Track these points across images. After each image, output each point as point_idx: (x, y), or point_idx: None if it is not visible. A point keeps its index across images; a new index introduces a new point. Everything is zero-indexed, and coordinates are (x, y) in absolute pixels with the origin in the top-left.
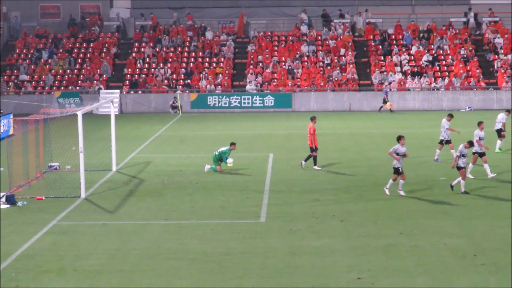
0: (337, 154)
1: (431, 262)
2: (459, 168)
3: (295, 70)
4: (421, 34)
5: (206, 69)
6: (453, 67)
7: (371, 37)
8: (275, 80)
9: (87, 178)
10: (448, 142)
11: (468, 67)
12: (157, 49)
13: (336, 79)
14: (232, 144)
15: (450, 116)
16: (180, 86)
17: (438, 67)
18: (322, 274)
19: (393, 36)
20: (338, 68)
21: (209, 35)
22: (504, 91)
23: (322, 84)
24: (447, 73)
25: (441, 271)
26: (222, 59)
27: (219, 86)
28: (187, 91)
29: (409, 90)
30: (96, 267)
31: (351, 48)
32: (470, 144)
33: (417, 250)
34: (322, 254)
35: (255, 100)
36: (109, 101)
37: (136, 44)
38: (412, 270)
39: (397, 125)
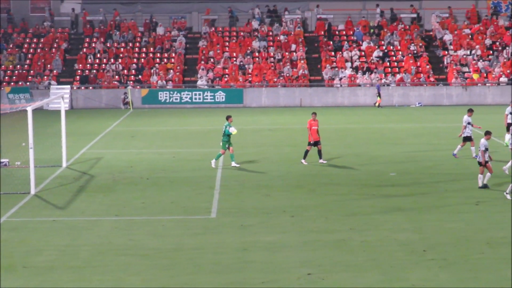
0: (289, 149)
1: (381, 257)
2: (485, 162)
3: (246, 66)
4: (372, 30)
5: (157, 65)
6: (403, 63)
7: (322, 33)
8: (226, 76)
9: (37, 174)
10: (469, 139)
11: (418, 63)
12: (108, 45)
13: (287, 74)
14: (228, 117)
15: (471, 111)
16: (131, 82)
17: (388, 63)
18: (273, 269)
19: (344, 32)
20: (289, 63)
21: (160, 30)
22: (454, 86)
23: (275, 80)
24: (397, 69)
25: (391, 266)
26: (173, 55)
27: (170, 82)
28: (138, 87)
29: (359, 85)
30: (46, 263)
31: (302, 44)
32: (489, 133)
33: (368, 245)
34: (274, 250)
35: (206, 95)
36: (60, 97)
37: (87, 40)
38: (362, 265)
39: (348, 121)
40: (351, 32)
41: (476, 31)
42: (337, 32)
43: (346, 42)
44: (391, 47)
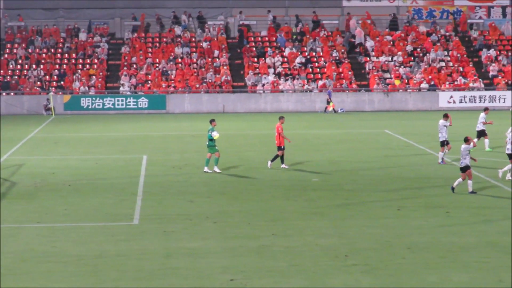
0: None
1: (304, 262)
2: (466, 168)
3: (169, 72)
4: (294, 36)
5: (79, 71)
6: (325, 69)
7: (241, 38)
8: (149, 82)
9: None
10: (447, 143)
11: (341, 69)
12: (30, 50)
13: (210, 80)
14: (212, 121)
15: (446, 116)
16: (53, 88)
17: (311, 69)
18: (196, 275)
19: (267, 38)
20: (212, 70)
21: (82, 36)
22: (376, 92)
23: (198, 86)
24: (319, 75)
25: (314, 272)
26: (96, 61)
27: (93, 88)
28: (60, 93)
29: (282, 92)
30: None
31: (225, 50)
32: (466, 140)
33: (291, 250)
34: (197, 256)
35: (129, 101)
36: None
37: (8, 45)
38: (285, 271)
39: (270, 127)
40: (274, 38)
41: (397, 37)
42: (260, 39)
43: (269, 48)
44: (314, 53)
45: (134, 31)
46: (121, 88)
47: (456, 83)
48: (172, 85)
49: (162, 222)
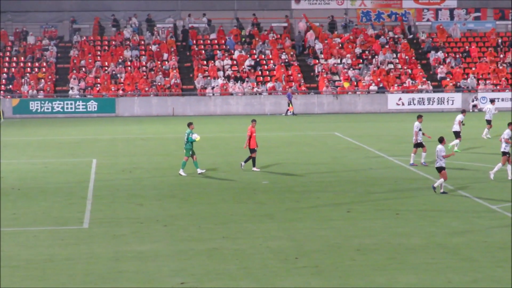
0: (162, 158)
1: (254, 265)
2: (440, 169)
3: (118, 75)
4: (244, 39)
5: (28, 74)
6: (275, 71)
7: (195, 42)
8: (98, 85)
9: None
10: (421, 145)
11: (290, 72)
12: None
13: (159, 83)
14: (190, 124)
15: (421, 117)
16: (1, 91)
17: (260, 72)
18: (146, 279)
19: (216, 41)
20: (161, 72)
21: (31, 39)
22: (325, 95)
23: (147, 89)
24: (269, 77)
25: (264, 274)
26: (45, 64)
27: (42, 91)
28: (8, 97)
29: (232, 94)
30: None
31: (174, 53)
32: (441, 140)
33: (240, 253)
34: (146, 259)
35: (78, 105)
36: None
37: None
38: (235, 274)
39: (220, 129)
40: (223, 41)
41: (346, 40)
42: (209, 41)
43: (218, 51)
44: (263, 56)
45: (76, 33)
46: (70, 92)
47: (404, 85)
48: (122, 88)
49: (111, 225)
